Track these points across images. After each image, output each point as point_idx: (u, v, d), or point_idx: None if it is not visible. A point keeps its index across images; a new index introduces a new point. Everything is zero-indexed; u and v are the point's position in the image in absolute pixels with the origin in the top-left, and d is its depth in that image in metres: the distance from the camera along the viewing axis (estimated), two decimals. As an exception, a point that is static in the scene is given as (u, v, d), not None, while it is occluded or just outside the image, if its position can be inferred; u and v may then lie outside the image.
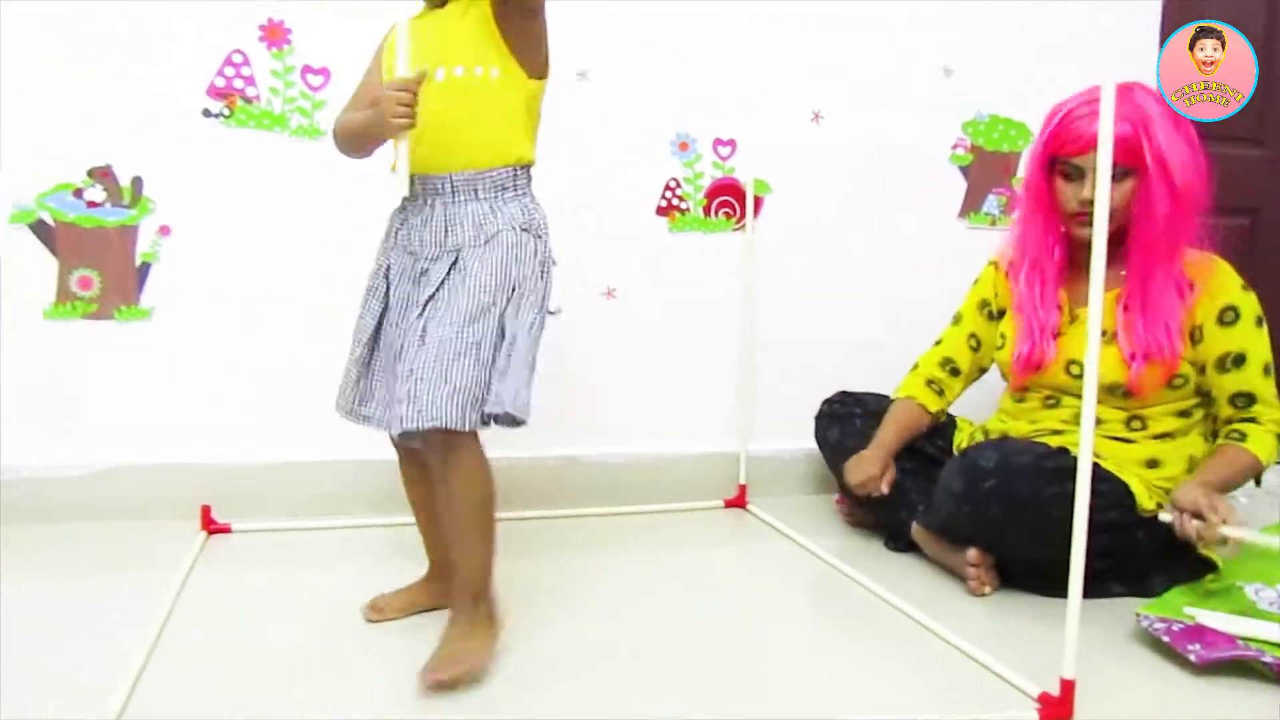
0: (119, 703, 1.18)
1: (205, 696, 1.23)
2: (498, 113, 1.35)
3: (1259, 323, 1.66)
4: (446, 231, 1.33)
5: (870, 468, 1.82)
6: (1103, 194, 1.17)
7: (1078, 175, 1.64)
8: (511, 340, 1.29)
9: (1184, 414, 1.69)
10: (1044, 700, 1.21)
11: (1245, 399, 1.65)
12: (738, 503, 2.15)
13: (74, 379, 1.87)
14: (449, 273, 1.31)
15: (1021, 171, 2.34)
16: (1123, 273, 1.66)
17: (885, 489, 1.80)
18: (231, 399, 1.93)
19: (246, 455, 1.93)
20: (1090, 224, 1.52)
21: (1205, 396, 1.70)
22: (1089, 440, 1.19)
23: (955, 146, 2.29)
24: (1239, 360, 1.64)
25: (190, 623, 1.44)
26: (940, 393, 1.92)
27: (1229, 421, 1.67)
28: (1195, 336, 1.65)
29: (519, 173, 1.38)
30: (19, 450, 1.86)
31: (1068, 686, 1.19)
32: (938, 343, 1.96)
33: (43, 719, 1.15)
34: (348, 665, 1.33)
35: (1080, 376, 1.67)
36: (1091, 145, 1.54)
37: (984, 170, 2.32)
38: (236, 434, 1.94)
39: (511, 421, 1.29)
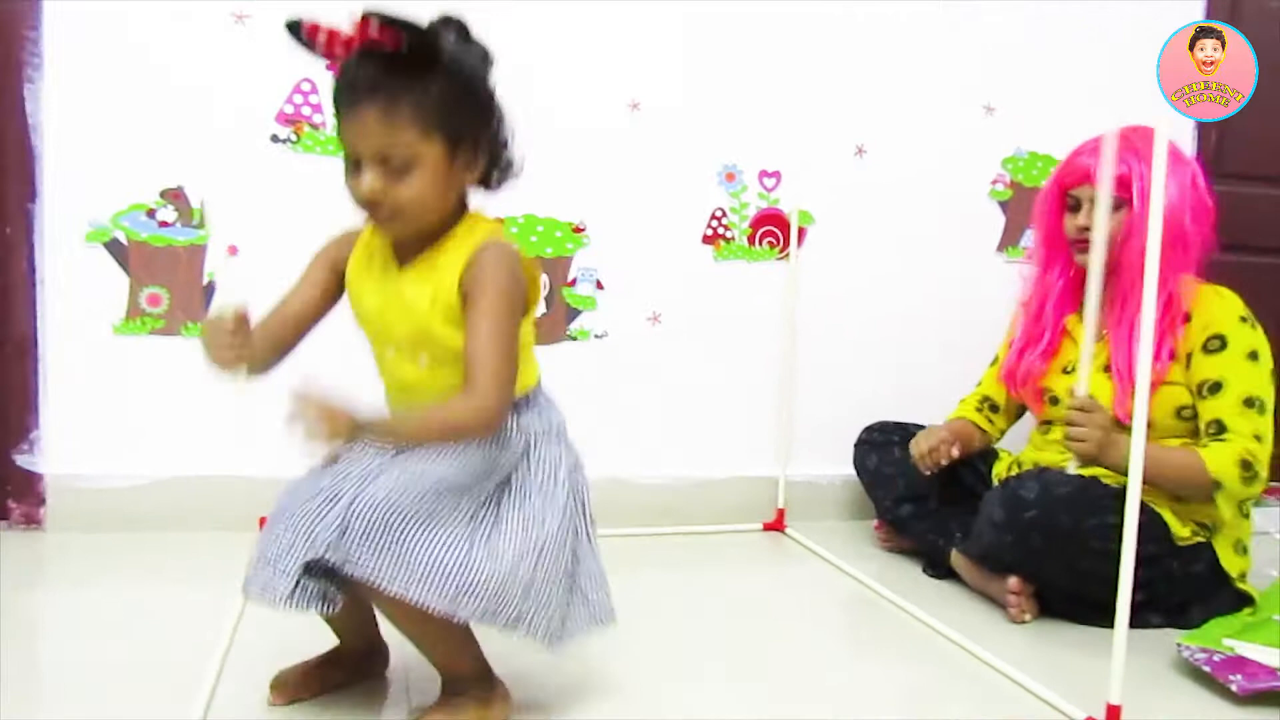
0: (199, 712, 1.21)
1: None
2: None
3: (1251, 356, 1.67)
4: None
5: (941, 433, 1.91)
6: (1155, 222, 1.21)
7: (1076, 205, 1.76)
8: None
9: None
10: (1090, 725, 1.25)
11: (1216, 426, 1.66)
12: (776, 526, 2.20)
13: (140, 392, 1.93)
14: None
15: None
16: (1115, 305, 1.73)
17: (956, 453, 1.88)
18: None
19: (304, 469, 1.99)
20: (1088, 250, 1.60)
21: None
22: (1139, 469, 1.22)
23: (995, 182, 2.34)
24: (1215, 388, 1.67)
25: (257, 632, 1.48)
26: (990, 422, 2.00)
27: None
28: (1187, 364, 1.70)
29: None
30: (85, 459, 1.92)
31: (1114, 712, 1.23)
32: (978, 384, 2.04)
33: None
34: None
35: (1056, 404, 1.82)
36: (1085, 179, 1.73)
37: (1022, 205, 2.36)
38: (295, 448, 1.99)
39: None
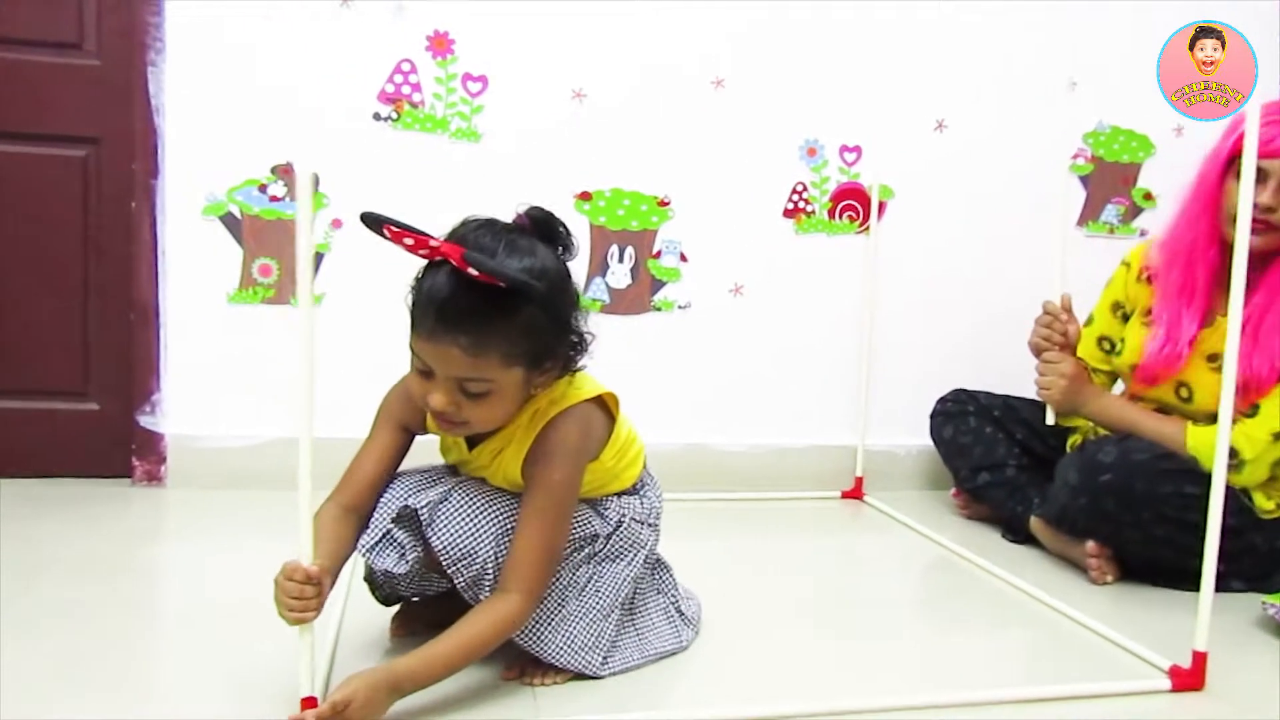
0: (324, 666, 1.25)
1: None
2: None
3: None
4: None
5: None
6: (1245, 206, 1.23)
7: (1260, 179, 1.57)
8: None
9: None
10: (1175, 672, 1.28)
11: (1254, 409, 1.62)
12: (854, 494, 2.25)
13: (253, 358, 2.05)
14: None
15: (1142, 182, 2.39)
16: (1256, 297, 1.62)
17: (1068, 319, 1.76)
18: (392, 378, 2.09)
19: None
20: (1263, 231, 1.56)
21: None
22: (1227, 429, 1.24)
23: (1076, 156, 2.35)
24: None
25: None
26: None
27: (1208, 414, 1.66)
28: None
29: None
30: (203, 420, 2.05)
31: (1199, 658, 1.26)
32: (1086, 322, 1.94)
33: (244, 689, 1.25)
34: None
35: (1189, 400, 1.72)
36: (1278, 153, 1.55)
37: (1103, 180, 2.37)
38: None
39: None
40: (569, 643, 1.21)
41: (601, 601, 1.25)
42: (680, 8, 2.14)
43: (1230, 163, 1.64)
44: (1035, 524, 1.90)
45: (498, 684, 1.22)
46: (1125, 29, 2.32)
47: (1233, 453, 1.60)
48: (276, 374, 2.05)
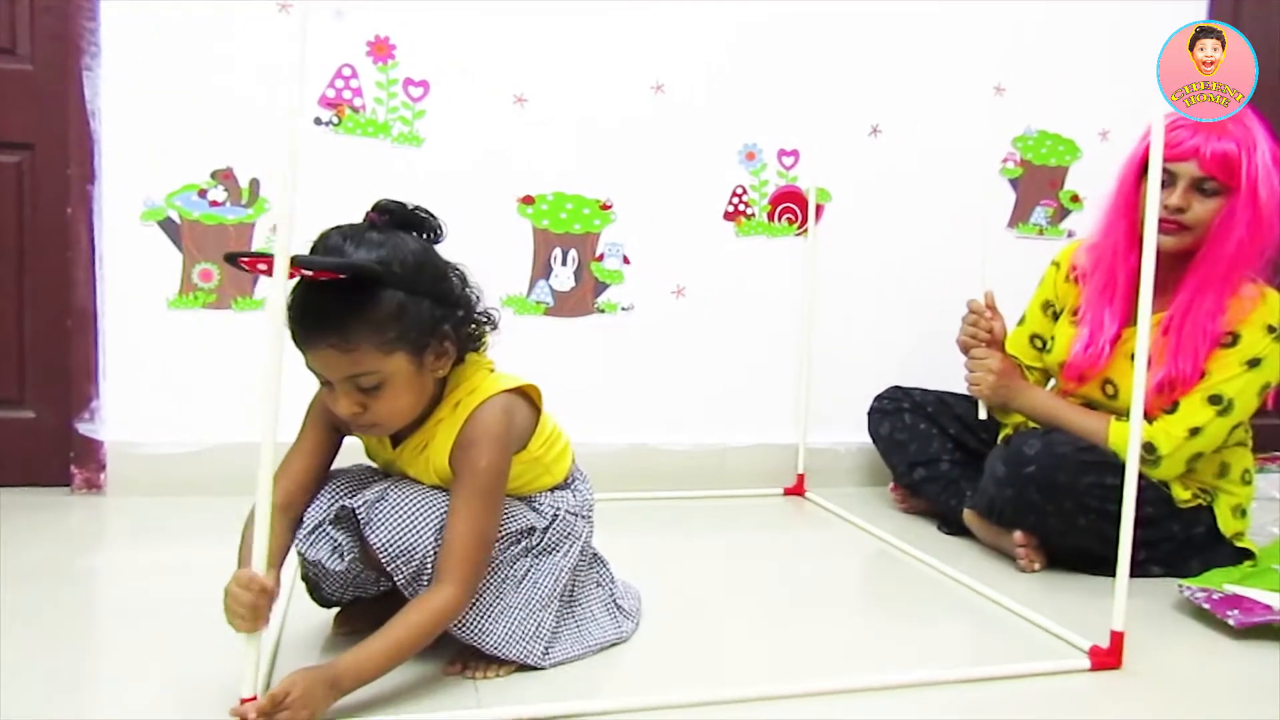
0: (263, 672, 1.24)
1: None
2: None
3: (1251, 364, 1.65)
4: None
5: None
6: (1153, 203, 1.29)
7: (1169, 181, 1.63)
8: None
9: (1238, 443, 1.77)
10: (1094, 652, 1.34)
11: (1175, 406, 1.68)
12: (796, 491, 2.29)
13: (194, 363, 2.04)
14: None
15: (1070, 185, 2.47)
16: (1179, 297, 1.68)
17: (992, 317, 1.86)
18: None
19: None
20: (1174, 232, 1.64)
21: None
22: (1139, 423, 1.30)
23: (1005, 160, 2.43)
24: (1203, 375, 1.67)
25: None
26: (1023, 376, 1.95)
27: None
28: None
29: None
30: (142, 427, 2.03)
31: (1117, 638, 1.32)
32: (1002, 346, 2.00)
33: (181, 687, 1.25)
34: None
35: (1114, 397, 1.78)
36: (1189, 155, 1.61)
37: (1032, 183, 2.45)
38: None
39: None
40: (510, 634, 1.23)
41: (540, 593, 1.27)
42: (621, 14, 2.17)
43: (1144, 167, 1.68)
44: (968, 516, 1.96)
45: (440, 678, 1.23)
46: (1047, 36, 2.40)
47: (1151, 447, 1.68)
48: (217, 380, 2.04)
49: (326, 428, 1.25)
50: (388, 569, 1.19)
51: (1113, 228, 1.79)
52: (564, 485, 1.36)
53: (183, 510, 1.93)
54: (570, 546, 1.32)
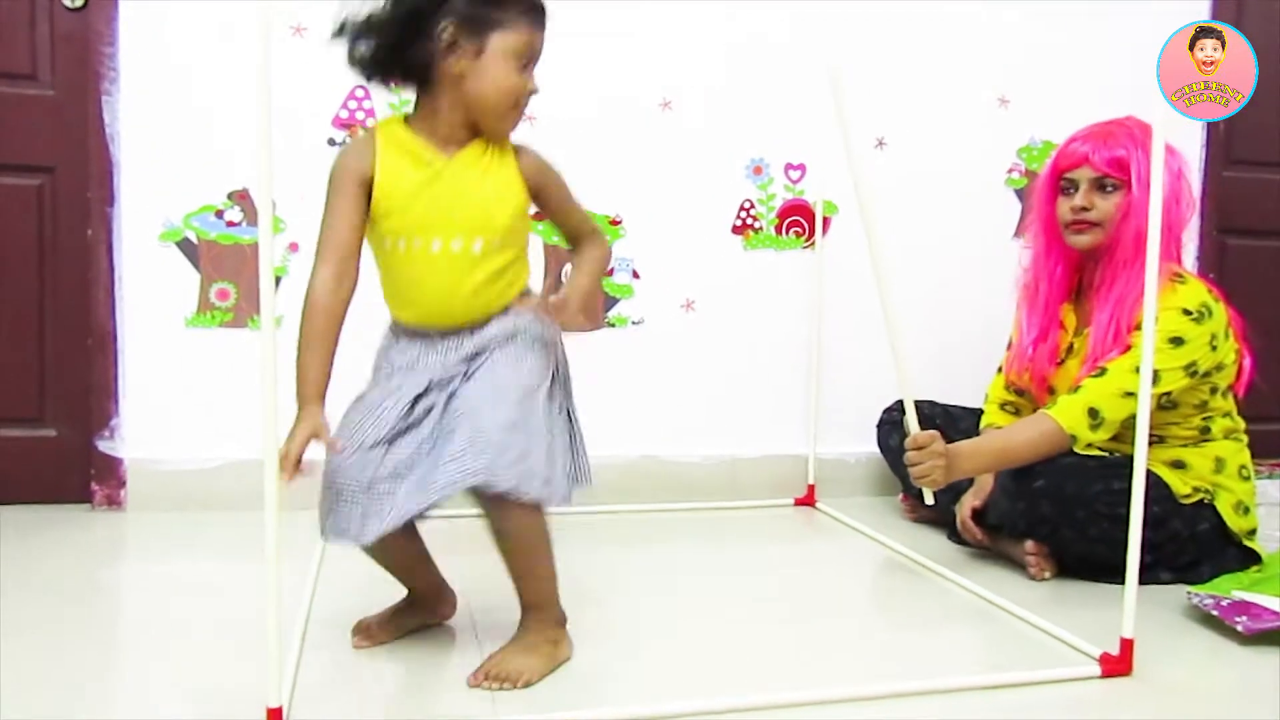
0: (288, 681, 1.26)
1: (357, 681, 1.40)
2: (498, 276, 1.32)
3: (1174, 342, 1.69)
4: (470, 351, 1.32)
5: (964, 511, 1.93)
6: (1155, 211, 1.32)
7: (1072, 188, 1.81)
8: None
9: (1202, 429, 1.79)
10: (1104, 659, 1.35)
11: (1100, 371, 1.72)
12: (807, 501, 2.31)
13: (212, 381, 2.07)
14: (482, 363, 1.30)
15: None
16: (1106, 290, 1.78)
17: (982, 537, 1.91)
18: (350, 398, 2.12)
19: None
20: (1086, 230, 1.79)
21: (1202, 406, 1.78)
22: (1144, 438, 1.32)
23: (1010, 171, 2.45)
24: (1126, 349, 1.71)
25: (328, 605, 1.61)
26: (1016, 412, 2.02)
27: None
28: None
29: (523, 296, 1.37)
30: (161, 444, 2.07)
31: (1127, 645, 1.33)
32: (999, 370, 2.07)
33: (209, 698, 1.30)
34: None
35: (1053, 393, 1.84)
36: (1081, 161, 1.79)
37: (1037, 192, 2.47)
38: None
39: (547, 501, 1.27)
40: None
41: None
42: (629, 32, 2.21)
43: (1052, 179, 1.86)
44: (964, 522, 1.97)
45: (454, 687, 1.26)
46: (1050, 48, 2.43)
47: (1095, 413, 1.70)
48: (235, 397, 2.07)
49: (360, 184, 1.27)
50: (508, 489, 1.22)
51: (1035, 243, 1.93)
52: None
53: (202, 526, 1.97)
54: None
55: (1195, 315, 1.71)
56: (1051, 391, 1.88)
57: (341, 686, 1.28)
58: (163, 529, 1.96)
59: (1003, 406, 2.04)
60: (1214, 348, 1.72)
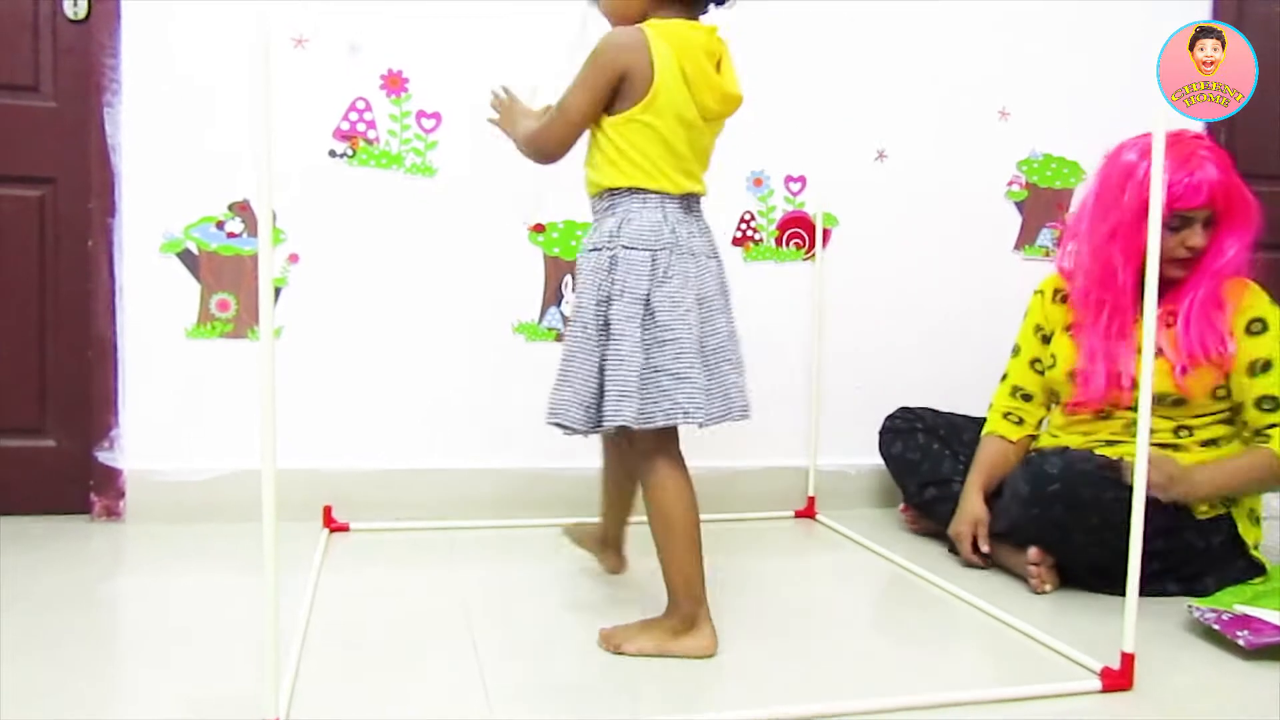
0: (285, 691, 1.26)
1: (357, 687, 1.39)
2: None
3: None
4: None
5: (962, 525, 1.94)
6: (1154, 235, 1.32)
7: (1185, 225, 1.78)
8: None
9: (1228, 422, 1.82)
10: (1105, 673, 1.35)
11: (1271, 402, 1.76)
12: (807, 513, 2.31)
13: (212, 392, 2.07)
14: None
15: (1075, 207, 2.49)
16: (1180, 296, 1.81)
17: (982, 539, 1.92)
18: (350, 410, 2.13)
19: (364, 462, 2.12)
20: (1187, 265, 1.79)
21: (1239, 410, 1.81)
22: (1145, 439, 1.32)
23: (1011, 183, 2.45)
24: (1266, 366, 1.76)
25: (327, 615, 1.61)
26: (1019, 421, 2.03)
27: (1257, 430, 1.78)
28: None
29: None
30: (161, 455, 2.06)
31: (1128, 660, 1.33)
32: (1004, 377, 2.08)
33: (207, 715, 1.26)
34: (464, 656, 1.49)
35: (1130, 388, 1.82)
36: (1206, 203, 1.75)
37: (1038, 206, 2.47)
38: (354, 442, 2.13)
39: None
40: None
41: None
42: (628, 45, 2.21)
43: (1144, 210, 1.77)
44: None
45: (451, 691, 1.25)
46: (1051, 61, 2.43)
47: None
48: (235, 408, 2.07)
49: (620, 76, 1.43)
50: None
51: (1109, 260, 1.85)
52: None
53: (201, 537, 1.96)
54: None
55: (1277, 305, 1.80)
56: (1133, 386, 1.82)
57: (339, 696, 1.28)
58: (162, 540, 1.95)
59: (1006, 415, 2.04)
60: None
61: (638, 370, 1.39)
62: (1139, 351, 1.83)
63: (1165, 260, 1.77)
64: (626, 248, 1.42)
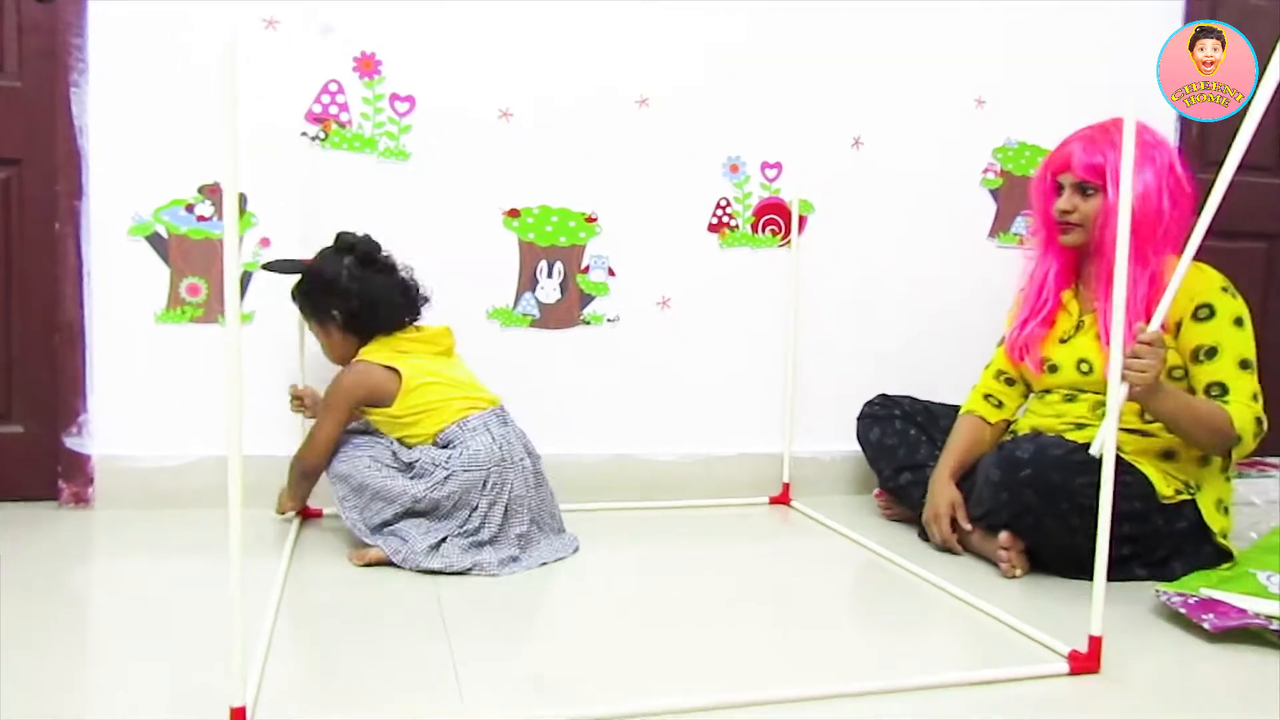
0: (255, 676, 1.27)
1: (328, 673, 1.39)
2: None
3: (1237, 322, 1.78)
4: None
5: (939, 505, 1.95)
6: (1125, 204, 1.32)
7: (1059, 189, 1.90)
8: None
9: None
10: (1073, 656, 1.36)
11: (1219, 388, 1.77)
12: (782, 499, 2.31)
13: (181, 377, 2.05)
14: None
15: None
16: (1101, 282, 1.86)
17: (962, 518, 1.93)
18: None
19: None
20: (1067, 232, 1.89)
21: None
22: (1114, 420, 1.33)
23: (986, 171, 2.46)
24: (1211, 352, 1.77)
25: (296, 599, 1.60)
26: (999, 404, 2.05)
27: None
28: (1177, 331, 1.79)
29: None
30: (130, 441, 2.04)
31: (1095, 643, 1.34)
32: (989, 363, 2.10)
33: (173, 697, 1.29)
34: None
35: (1089, 374, 1.88)
36: (1066, 166, 1.87)
37: (1013, 193, 2.48)
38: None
39: None
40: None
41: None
42: (605, 28, 2.20)
43: (1048, 179, 1.93)
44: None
45: (422, 679, 1.25)
46: (1026, 49, 2.44)
47: (1238, 438, 1.73)
48: (205, 393, 2.05)
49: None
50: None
51: (1036, 232, 2.01)
52: (442, 445, 1.80)
53: (171, 523, 1.94)
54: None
55: (1230, 291, 1.81)
56: (1054, 369, 1.93)
57: (307, 685, 1.27)
58: (131, 526, 1.94)
59: (986, 397, 2.06)
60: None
61: None
62: (1060, 342, 1.93)
63: (1054, 225, 1.91)
64: None
